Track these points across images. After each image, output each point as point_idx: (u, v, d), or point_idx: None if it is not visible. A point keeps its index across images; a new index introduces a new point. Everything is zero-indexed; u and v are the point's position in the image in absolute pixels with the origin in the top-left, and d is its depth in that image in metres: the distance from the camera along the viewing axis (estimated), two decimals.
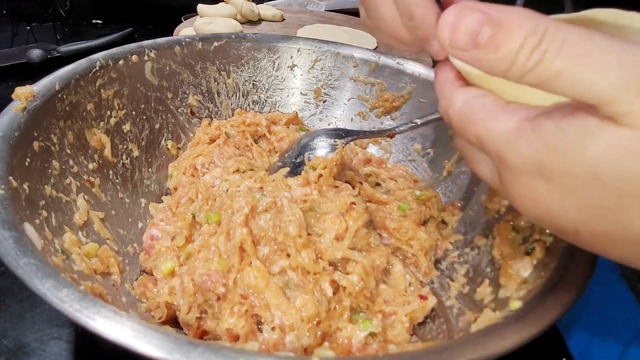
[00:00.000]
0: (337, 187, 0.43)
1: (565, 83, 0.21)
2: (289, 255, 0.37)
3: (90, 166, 0.45)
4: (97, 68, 0.47)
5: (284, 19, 1.08)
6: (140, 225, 0.47)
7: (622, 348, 0.43)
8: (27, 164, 0.37)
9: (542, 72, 0.21)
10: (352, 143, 0.55)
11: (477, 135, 0.26)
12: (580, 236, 0.24)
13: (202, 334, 0.38)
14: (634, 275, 0.46)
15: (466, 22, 0.23)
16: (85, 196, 0.42)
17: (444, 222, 0.49)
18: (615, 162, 0.20)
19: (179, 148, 0.57)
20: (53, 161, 0.40)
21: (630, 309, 0.46)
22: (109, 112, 0.49)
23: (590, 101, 0.21)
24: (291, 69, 0.64)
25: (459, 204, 0.50)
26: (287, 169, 0.45)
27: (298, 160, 0.47)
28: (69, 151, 0.43)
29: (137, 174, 0.51)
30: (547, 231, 0.35)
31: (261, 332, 0.35)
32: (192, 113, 0.59)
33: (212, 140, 0.55)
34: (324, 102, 0.64)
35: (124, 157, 0.50)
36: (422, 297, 0.39)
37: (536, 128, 0.23)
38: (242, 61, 0.62)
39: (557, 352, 0.45)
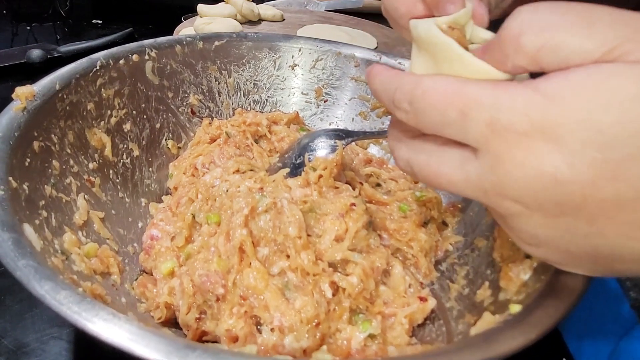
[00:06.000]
0: (337, 188, 0.43)
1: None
2: (288, 257, 0.37)
3: (91, 166, 0.45)
4: (98, 67, 0.47)
5: (284, 19, 1.08)
6: (140, 225, 0.47)
7: (614, 343, 0.43)
8: (27, 164, 0.37)
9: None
10: (353, 143, 0.55)
11: (462, 108, 0.24)
12: (588, 205, 0.22)
13: (202, 335, 0.38)
14: None
15: None
16: (86, 196, 0.42)
17: (444, 223, 0.49)
18: None
19: (179, 147, 0.57)
20: (53, 161, 0.40)
21: (620, 304, 0.46)
22: (109, 112, 0.49)
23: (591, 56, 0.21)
24: (292, 69, 0.64)
25: (460, 205, 0.50)
26: (287, 170, 0.45)
27: (298, 161, 0.47)
28: (69, 151, 0.42)
29: (137, 173, 0.51)
30: None
31: (260, 333, 0.35)
32: (193, 112, 0.59)
33: (213, 140, 0.55)
34: (325, 102, 0.64)
35: (124, 156, 0.50)
36: (422, 299, 0.39)
37: (536, 87, 0.22)
38: (243, 60, 0.62)
39: (557, 352, 0.45)
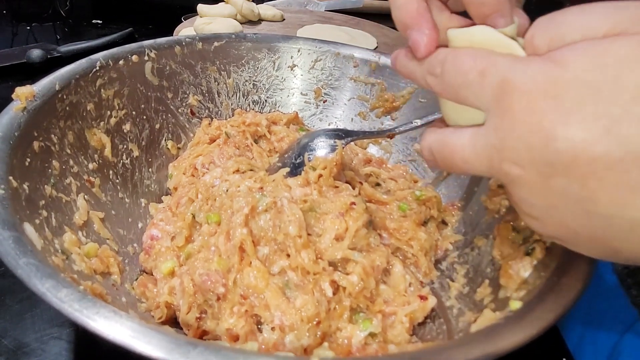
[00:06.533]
0: (337, 187, 0.43)
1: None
2: (288, 256, 0.37)
3: (91, 166, 0.45)
4: (98, 68, 0.47)
5: (284, 19, 1.08)
6: (140, 225, 0.47)
7: (615, 340, 0.43)
8: (27, 164, 0.37)
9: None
10: (352, 143, 0.55)
11: (482, 69, 0.26)
12: (578, 165, 0.23)
13: (202, 334, 0.38)
14: (624, 270, 0.46)
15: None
16: (85, 196, 0.42)
17: (444, 222, 0.49)
18: None
19: (179, 148, 0.57)
20: (53, 161, 0.40)
21: (620, 301, 0.46)
22: (109, 112, 0.49)
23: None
24: (291, 69, 0.64)
25: (459, 204, 0.50)
26: (287, 169, 0.45)
27: (298, 160, 0.47)
28: (69, 151, 0.43)
29: (137, 174, 0.51)
30: None
31: (261, 332, 0.35)
32: (192, 113, 0.59)
33: (212, 140, 0.55)
34: (324, 102, 0.64)
35: (124, 157, 0.50)
36: (422, 298, 0.39)
37: (549, 55, 0.24)
38: (243, 61, 0.62)
39: (556, 351, 0.45)
